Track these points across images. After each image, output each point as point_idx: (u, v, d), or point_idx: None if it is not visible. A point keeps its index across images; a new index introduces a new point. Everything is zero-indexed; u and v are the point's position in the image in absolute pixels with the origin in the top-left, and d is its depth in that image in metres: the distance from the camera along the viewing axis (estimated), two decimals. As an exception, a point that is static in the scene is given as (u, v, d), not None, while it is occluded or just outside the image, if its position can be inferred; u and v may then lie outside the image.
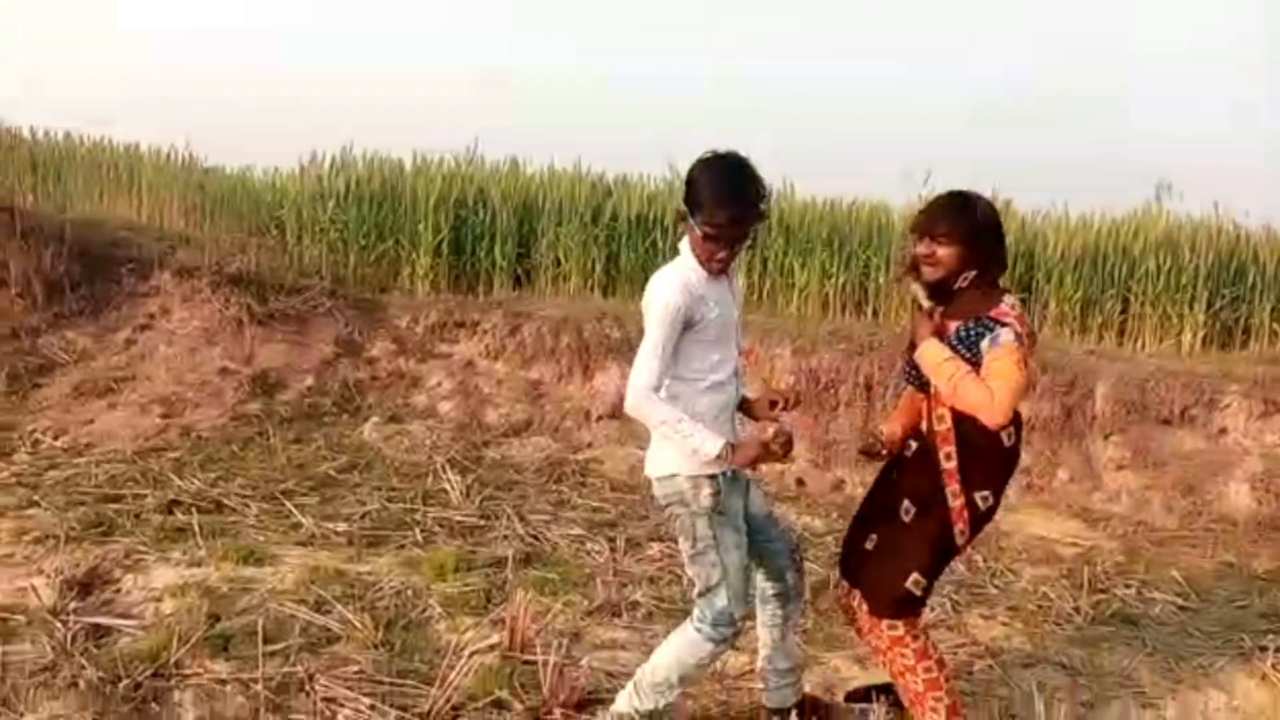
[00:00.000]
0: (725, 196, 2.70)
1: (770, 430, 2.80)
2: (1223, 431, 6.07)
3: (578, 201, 7.96)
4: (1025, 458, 5.82)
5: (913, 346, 2.98)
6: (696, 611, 2.91)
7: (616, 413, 6.34)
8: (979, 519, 2.93)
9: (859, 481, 5.84)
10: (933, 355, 2.87)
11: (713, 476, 2.80)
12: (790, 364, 6.45)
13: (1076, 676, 3.78)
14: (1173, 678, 3.82)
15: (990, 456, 2.91)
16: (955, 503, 2.88)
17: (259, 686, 3.20)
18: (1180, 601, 4.52)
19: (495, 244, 7.92)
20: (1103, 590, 4.55)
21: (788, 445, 2.79)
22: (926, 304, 2.96)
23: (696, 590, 2.91)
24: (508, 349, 6.73)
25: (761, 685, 3.23)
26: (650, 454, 2.92)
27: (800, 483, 5.93)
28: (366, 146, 8.34)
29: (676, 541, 4.51)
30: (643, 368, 2.72)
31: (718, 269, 2.81)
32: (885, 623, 2.96)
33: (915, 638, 2.97)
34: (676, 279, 2.77)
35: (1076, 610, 4.33)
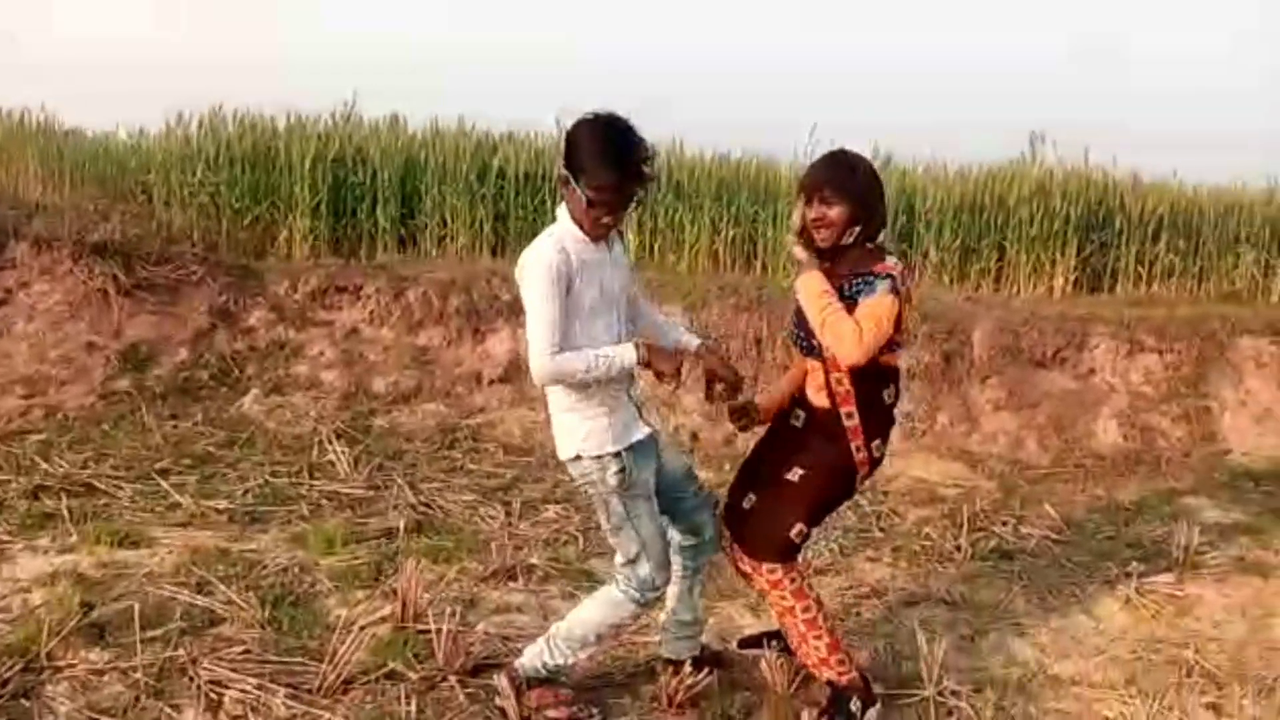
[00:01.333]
0: (610, 159, 2.62)
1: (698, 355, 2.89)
2: (1091, 371, 6.36)
3: (463, 159, 7.76)
4: (907, 404, 6.05)
5: (801, 313, 3.00)
6: (621, 577, 2.94)
7: (509, 376, 6.28)
8: (875, 465, 3.06)
9: (750, 435, 5.92)
10: (811, 287, 2.90)
11: (617, 454, 2.79)
12: (681, 320, 6.46)
13: (957, 611, 3.94)
14: (1046, 607, 4.02)
15: (880, 411, 3.02)
16: (859, 456, 2.98)
17: (138, 674, 3.09)
18: (1054, 535, 4.75)
19: (377, 205, 7.68)
20: (982, 528, 4.74)
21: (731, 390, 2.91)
22: (806, 258, 2.97)
23: (620, 561, 2.94)
24: (393, 314, 6.56)
25: (660, 635, 3.27)
26: (557, 437, 2.90)
27: (694, 437, 5.99)
28: (237, 106, 7.99)
29: (572, 503, 4.59)
30: (539, 338, 2.65)
31: (601, 234, 2.76)
32: (765, 566, 3.03)
33: (792, 580, 3.04)
34: (551, 244, 2.70)
35: (957, 548, 4.50)
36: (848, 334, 2.80)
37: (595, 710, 3.03)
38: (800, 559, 3.14)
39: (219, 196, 7.59)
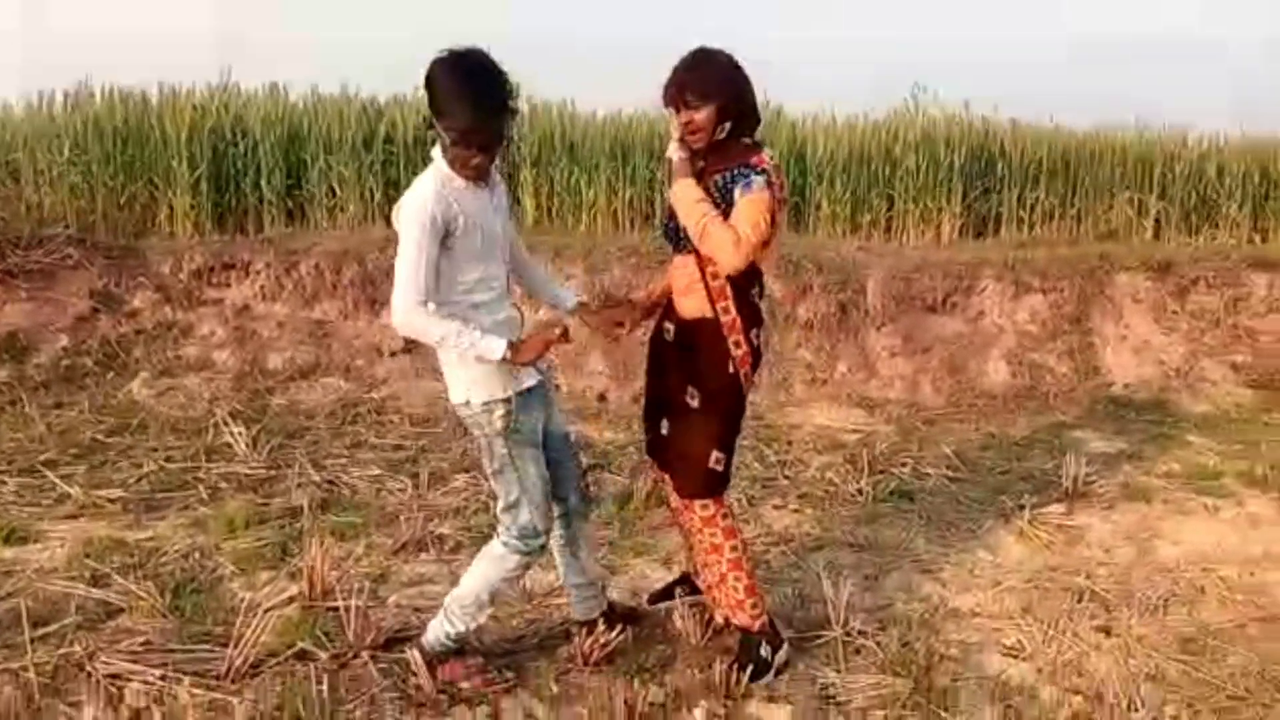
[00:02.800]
0: (470, 99, 2.56)
1: (554, 328, 2.77)
2: (980, 314, 6.58)
3: (348, 125, 7.53)
4: (806, 354, 6.18)
5: (674, 210, 2.97)
6: (501, 527, 2.92)
7: (411, 346, 6.18)
8: (756, 358, 3.03)
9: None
10: (686, 194, 2.88)
11: (505, 400, 2.77)
12: (584, 281, 6.46)
13: (861, 553, 4.06)
14: (945, 543, 4.17)
15: (752, 305, 3.00)
16: (739, 351, 2.96)
17: (30, 674, 2.96)
18: (950, 474, 4.92)
19: (261, 177, 7.40)
20: (882, 470, 4.87)
21: (565, 334, 2.77)
22: (680, 154, 2.92)
23: (500, 506, 2.92)
24: (285, 289, 6.37)
25: (567, 600, 3.29)
26: (447, 381, 2.86)
27: (601, 398, 6.01)
28: (105, 79, 7.59)
29: (481, 470, 4.54)
30: (405, 283, 2.59)
31: (474, 175, 2.69)
32: (698, 503, 3.06)
33: (724, 516, 3.09)
34: (430, 188, 2.63)
35: (860, 492, 4.62)
36: (727, 241, 2.79)
37: (509, 674, 3.03)
38: (727, 493, 3.14)
39: (91, 176, 7.23)
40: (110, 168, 7.23)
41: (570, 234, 7.50)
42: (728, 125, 2.87)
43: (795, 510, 4.46)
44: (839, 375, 6.13)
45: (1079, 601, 3.67)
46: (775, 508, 4.47)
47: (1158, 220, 8.20)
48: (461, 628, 2.96)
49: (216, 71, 7.72)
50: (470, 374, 2.76)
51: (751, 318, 3.00)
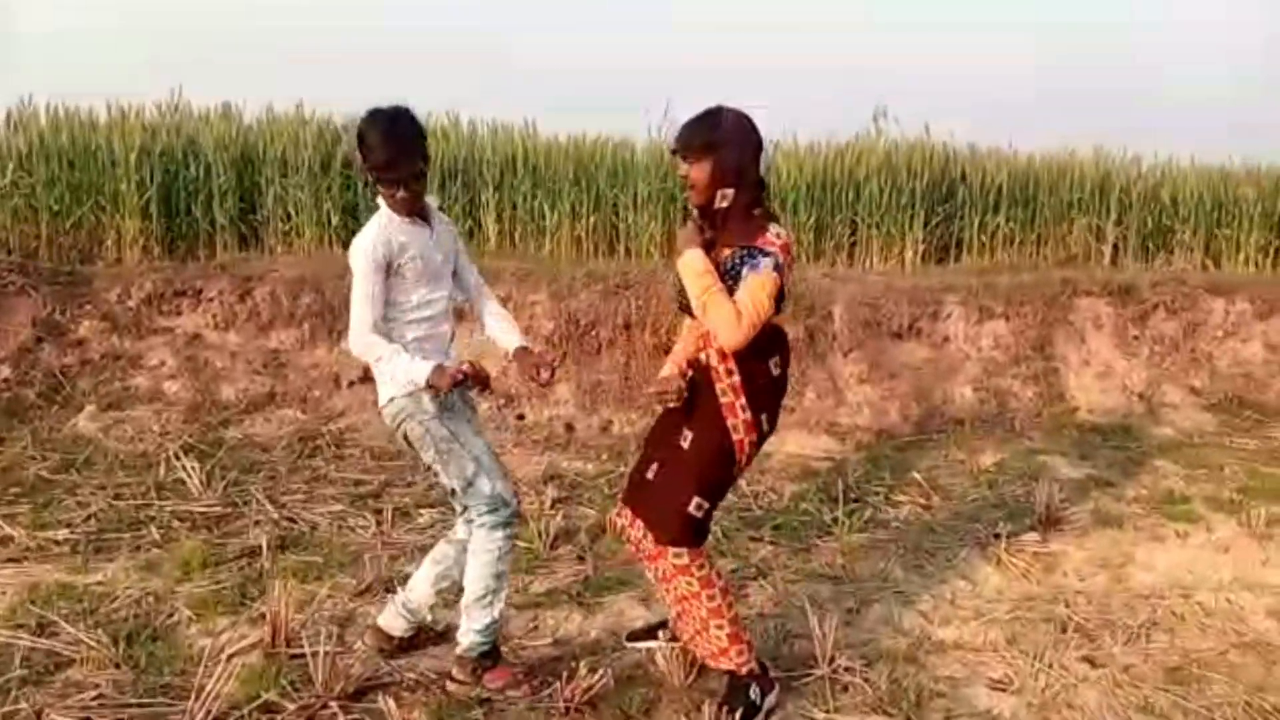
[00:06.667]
0: (384, 140, 2.91)
1: (466, 364, 2.97)
2: (946, 340, 6.58)
3: (304, 148, 7.36)
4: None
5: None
6: (473, 513, 3.03)
7: (371, 376, 6.01)
8: (760, 440, 2.95)
9: (626, 421, 5.87)
10: (692, 264, 2.83)
11: (429, 385, 2.96)
12: (549, 308, 6.35)
13: (840, 585, 3.99)
14: (923, 574, 4.12)
15: (764, 385, 2.91)
16: (736, 436, 2.87)
17: (-27, 734, 2.78)
18: (923, 501, 4.88)
19: (213, 201, 7.19)
20: (856, 500, 4.82)
21: (475, 372, 2.96)
22: (690, 227, 2.90)
23: (459, 489, 3.02)
24: (239, 317, 6.18)
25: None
26: (379, 388, 3.09)
27: (569, 427, 5.89)
28: (50, 97, 7.34)
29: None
30: (357, 315, 2.96)
31: (404, 210, 2.98)
32: (671, 551, 2.92)
33: (700, 566, 2.95)
34: (373, 231, 2.97)
35: (835, 521, 4.56)
36: (729, 319, 2.73)
37: (550, 679, 3.08)
38: (705, 543, 3.00)
39: (35, 198, 6.97)
40: (55, 190, 6.98)
41: (533, 259, 7.39)
42: (729, 193, 2.80)
43: (771, 542, 4.38)
44: (808, 402, 6.08)
45: (1062, 632, 3.63)
46: (752, 539, 4.39)
47: (1115, 246, 8.32)
48: (488, 619, 3.06)
49: (167, 90, 7.53)
50: (394, 373, 2.98)
51: (761, 396, 2.90)
